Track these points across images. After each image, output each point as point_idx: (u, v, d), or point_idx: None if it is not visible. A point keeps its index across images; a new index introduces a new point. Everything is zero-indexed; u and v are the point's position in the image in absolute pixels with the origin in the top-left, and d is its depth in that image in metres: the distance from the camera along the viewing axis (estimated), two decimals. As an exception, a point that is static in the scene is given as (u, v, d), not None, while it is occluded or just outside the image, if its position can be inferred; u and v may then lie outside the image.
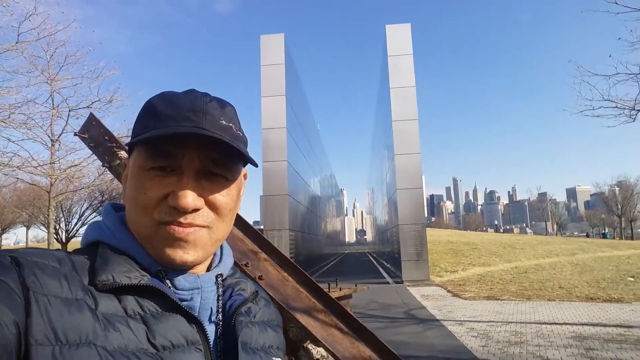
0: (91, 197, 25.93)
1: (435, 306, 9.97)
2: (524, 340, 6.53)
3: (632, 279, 12.60)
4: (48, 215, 16.42)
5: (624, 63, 9.04)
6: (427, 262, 15.69)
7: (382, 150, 24.67)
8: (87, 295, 0.51)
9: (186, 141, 0.57)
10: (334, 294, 2.75)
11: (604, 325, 7.31)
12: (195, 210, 0.57)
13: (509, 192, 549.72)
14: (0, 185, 20.25)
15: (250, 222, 2.31)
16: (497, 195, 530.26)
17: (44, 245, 23.97)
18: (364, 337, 1.87)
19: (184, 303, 0.58)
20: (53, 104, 14.31)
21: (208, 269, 0.66)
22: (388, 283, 15.52)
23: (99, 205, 25.98)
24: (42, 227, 26.63)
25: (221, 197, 0.60)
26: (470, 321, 8.11)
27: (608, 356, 5.53)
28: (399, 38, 17.14)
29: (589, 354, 5.63)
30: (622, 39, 9.36)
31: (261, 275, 2.02)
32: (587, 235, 72.89)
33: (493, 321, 8.03)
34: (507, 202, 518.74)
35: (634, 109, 9.14)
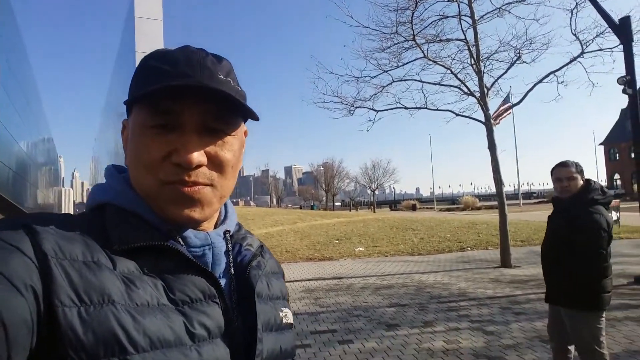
0: None
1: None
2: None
3: (337, 241, 15.57)
4: None
5: (351, 67, 10.99)
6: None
7: (115, 118, 22.48)
8: (104, 257, 0.51)
9: (185, 96, 0.56)
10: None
11: (324, 279, 8.90)
12: (199, 166, 0.57)
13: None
14: None
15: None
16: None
17: None
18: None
19: (197, 260, 0.58)
20: None
21: (215, 226, 0.66)
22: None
23: None
24: None
25: (223, 153, 0.60)
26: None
27: (331, 301, 6.81)
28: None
29: (317, 302, 6.81)
30: (347, 47, 11.32)
31: None
32: (300, 207, 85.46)
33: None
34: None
35: (353, 106, 11.22)
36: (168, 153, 0.56)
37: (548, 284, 3.10)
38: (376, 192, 61.34)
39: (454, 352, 4.34)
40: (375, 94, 11.06)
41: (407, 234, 16.28)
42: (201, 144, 0.57)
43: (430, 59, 10.32)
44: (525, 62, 10.13)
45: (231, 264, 0.64)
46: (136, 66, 0.62)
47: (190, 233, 0.59)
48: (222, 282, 0.61)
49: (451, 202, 70.33)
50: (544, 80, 9.94)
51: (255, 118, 0.65)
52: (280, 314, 0.67)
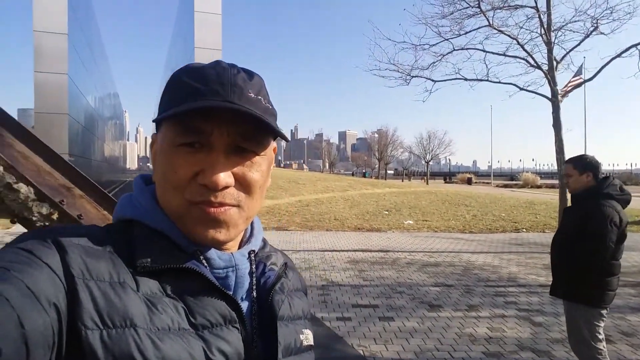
0: None
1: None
2: (312, 265, 7.46)
3: (387, 212, 15.46)
4: None
5: (409, 34, 10.54)
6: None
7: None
8: (128, 277, 0.52)
9: (215, 115, 0.55)
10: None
11: (370, 251, 8.91)
12: (226, 187, 0.56)
13: (291, 130, 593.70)
14: None
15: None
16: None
17: None
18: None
19: (220, 282, 0.58)
20: None
21: (240, 245, 0.66)
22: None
23: None
24: None
25: (251, 174, 0.59)
26: (264, 250, 8.74)
27: (375, 275, 6.82)
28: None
29: (362, 275, 6.83)
30: (406, 11, 10.76)
31: (80, 215, 1.76)
32: (353, 174, 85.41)
33: (284, 250, 8.83)
34: (290, 139, 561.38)
35: (410, 75, 10.81)
36: (195, 173, 0.56)
37: (554, 276, 3.12)
38: (430, 162, 59.84)
39: (498, 340, 4.23)
40: (434, 63, 10.58)
41: (459, 210, 15.86)
42: (229, 164, 0.57)
43: (495, 28, 9.66)
44: (602, 34, 9.22)
45: (254, 287, 0.63)
46: (168, 81, 0.61)
47: (214, 254, 0.59)
48: (244, 305, 0.61)
49: (510, 178, 67.52)
50: (623, 55, 9.01)
51: (285, 139, 0.64)
52: (301, 336, 0.66)
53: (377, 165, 76.83)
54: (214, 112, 0.55)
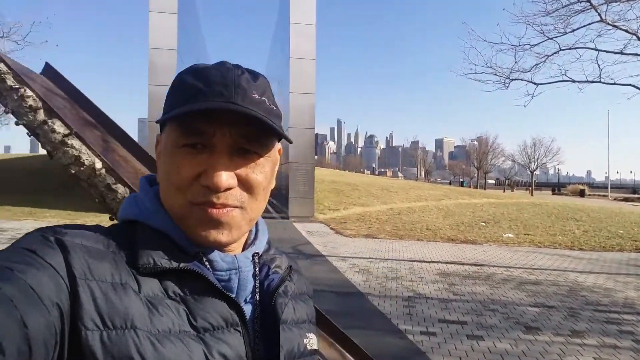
0: None
1: (320, 242, 10.55)
2: (399, 275, 7.29)
3: (484, 224, 14.60)
4: None
5: (507, 34, 9.93)
6: (313, 200, 16.34)
7: (274, 85, 24.23)
8: (130, 278, 0.52)
9: (218, 117, 0.55)
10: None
11: (462, 264, 8.46)
12: (228, 189, 0.56)
13: (386, 137, 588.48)
14: None
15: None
16: (375, 139, 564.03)
17: None
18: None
19: (222, 284, 0.58)
20: None
21: (244, 247, 0.65)
22: (274, 218, 15.90)
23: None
24: None
25: (254, 175, 0.58)
26: (352, 257, 8.77)
27: (466, 290, 6.45)
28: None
29: (451, 289, 6.51)
30: (505, 11, 10.11)
31: None
32: (450, 183, 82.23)
33: (372, 258, 8.77)
34: (384, 146, 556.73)
35: (509, 78, 10.15)
36: (198, 174, 0.56)
37: None
38: (536, 172, 55.38)
39: (606, 373, 3.75)
40: (537, 65, 9.80)
41: (567, 224, 14.44)
42: (232, 165, 0.56)
43: (609, 23, 8.69)
44: None
45: (257, 289, 0.63)
46: (173, 82, 0.61)
47: (217, 256, 0.59)
48: (247, 308, 0.60)
49: (632, 191, 60.10)
50: None
51: (289, 141, 0.64)
52: (305, 340, 0.65)
53: (475, 174, 73.02)
54: (217, 114, 0.55)
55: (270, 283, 0.64)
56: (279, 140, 0.63)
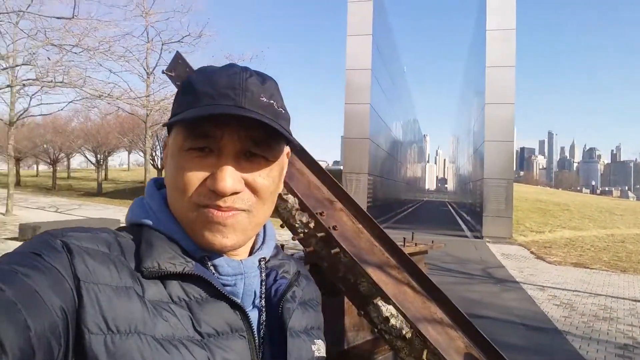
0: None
1: (516, 267, 9.52)
2: (614, 316, 6.01)
3: None
4: (144, 144, 17.92)
5: None
6: (511, 219, 14.95)
7: (471, 97, 23.15)
8: (135, 282, 0.52)
9: (225, 121, 0.55)
10: (408, 249, 2.63)
11: None
12: (235, 193, 0.55)
13: (612, 150, 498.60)
14: (105, 113, 22.16)
15: (330, 163, 2.26)
16: (597, 153, 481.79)
17: (141, 170, 25.76)
18: (436, 298, 1.77)
19: (228, 289, 0.58)
20: (148, 38, 15.36)
21: (251, 252, 0.65)
22: (467, 237, 15.08)
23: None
24: (141, 153, 28.93)
25: (262, 179, 0.58)
26: (553, 288, 7.63)
27: None
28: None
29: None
30: None
31: (335, 226, 1.95)
32: None
33: (579, 291, 7.48)
34: (609, 161, 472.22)
35: None
36: (204, 178, 0.56)
37: None
38: None
39: None
40: None
41: None
42: (238, 169, 0.56)
43: None
44: None
45: (262, 295, 0.62)
46: (180, 85, 0.62)
47: (223, 261, 0.59)
48: (253, 314, 0.60)
49: None
50: None
51: (296, 146, 0.63)
52: (313, 347, 0.64)
53: None
54: (224, 118, 0.54)
55: (278, 288, 0.64)
56: (287, 143, 0.63)
